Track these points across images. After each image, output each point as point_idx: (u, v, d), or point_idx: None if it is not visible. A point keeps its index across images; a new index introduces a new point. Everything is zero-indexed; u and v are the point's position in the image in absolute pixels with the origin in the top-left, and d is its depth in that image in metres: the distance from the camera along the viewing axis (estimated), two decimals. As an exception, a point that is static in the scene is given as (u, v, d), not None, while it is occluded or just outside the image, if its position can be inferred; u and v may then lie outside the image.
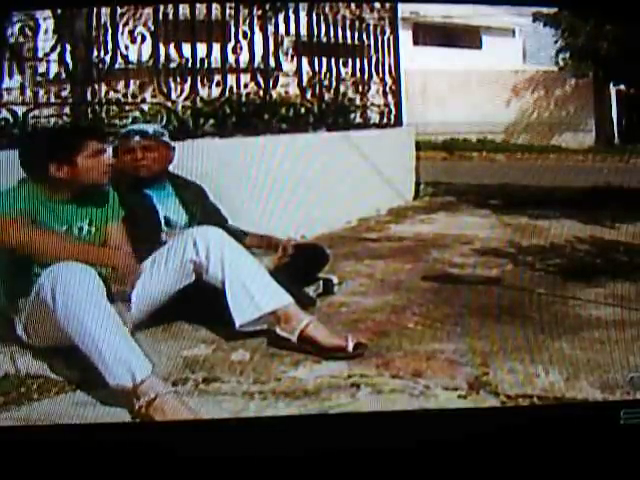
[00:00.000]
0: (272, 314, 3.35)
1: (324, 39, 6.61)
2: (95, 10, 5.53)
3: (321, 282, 4.04)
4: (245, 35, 5.98)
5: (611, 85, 12.48)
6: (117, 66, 5.54)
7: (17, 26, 5.40)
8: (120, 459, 2.65)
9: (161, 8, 5.74)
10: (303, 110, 6.33)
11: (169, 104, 5.46)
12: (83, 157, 3.37)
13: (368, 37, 7.06)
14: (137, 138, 3.82)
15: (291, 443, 2.72)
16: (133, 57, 5.61)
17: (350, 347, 3.28)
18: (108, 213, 3.52)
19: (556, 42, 12.46)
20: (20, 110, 5.10)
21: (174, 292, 3.45)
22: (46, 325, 3.08)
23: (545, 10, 11.98)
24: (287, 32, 6.37)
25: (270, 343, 3.42)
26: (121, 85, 5.49)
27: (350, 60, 6.85)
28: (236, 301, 3.33)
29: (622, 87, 12.36)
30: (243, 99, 5.93)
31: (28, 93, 5.37)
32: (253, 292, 3.33)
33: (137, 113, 5.39)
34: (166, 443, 2.72)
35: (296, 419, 2.90)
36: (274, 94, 6.10)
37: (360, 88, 6.97)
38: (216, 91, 5.79)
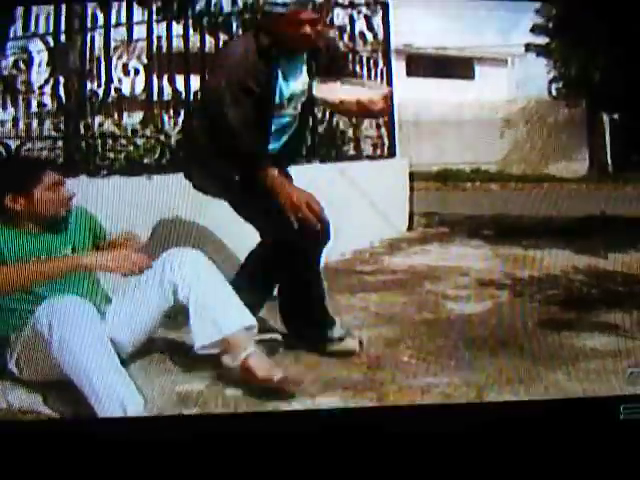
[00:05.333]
0: (224, 340, 3.30)
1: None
2: (89, 43, 5.55)
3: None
4: (239, 67, 5.99)
5: (604, 113, 12.54)
6: (110, 99, 5.55)
7: (11, 59, 5.42)
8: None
9: (155, 41, 5.76)
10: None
11: (163, 137, 5.45)
12: (40, 189, 3.31)
13: (361, 69, 7.08)
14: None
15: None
16: (127, 90, 5.62)
17: (275, 379, 3.23)
18: (87, 235, 3.48)
19: (549, 72, 12.55)
20: (13, 143, 5.10)
21: (158, 316, 3.41)
22: (40, 359, 3.07)
23: (537, 40, 12.07)
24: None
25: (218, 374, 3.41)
26: (114, 118, 5.49)
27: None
28: (198, 322, 3.29)
29: (615, 115, 12.42)
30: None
31: (21, 126, 5.38)
32: (217, 314, 3.29)
33: (131, 147, 5.39)
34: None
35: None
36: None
37: (353, 120, 6.98)
38: (210, 124, 5.78)
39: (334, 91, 3.56)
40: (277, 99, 3.59)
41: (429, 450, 2.84)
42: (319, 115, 6.52)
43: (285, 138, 3.74)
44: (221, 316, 3.28)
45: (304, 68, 3.64)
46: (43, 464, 2.77)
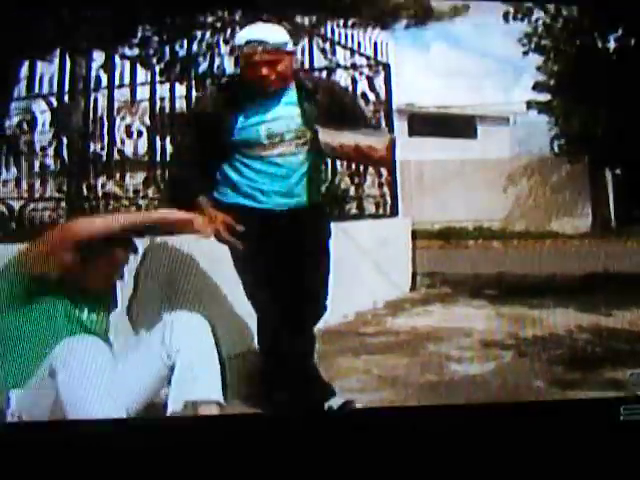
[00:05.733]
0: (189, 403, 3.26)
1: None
2: (92, 104, 5.59)
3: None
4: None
5: (606, 169, 12.60)
6: (113, 160, 5.58)
7: (15, 120, 5.46)
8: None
9: (158, 102, 5.80)
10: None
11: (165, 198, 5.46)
12: (103, 261, 3.24)
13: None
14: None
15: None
16: (129, 151, 5.65)
17: None
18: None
19: (550, 129, 12.64)
20: (16, 204, 5.10)
21: (157, 379, 3.37)
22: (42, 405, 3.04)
23: (539, 97, 12.17)
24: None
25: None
26: (117, 179, 5.51)
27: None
28: (177, 386, 3.26)
29: (617, 171, 12.48)
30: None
31: (24, 186, 5.39)
32: (196, 380, 3.25)
33: (133, 208, 5.40)
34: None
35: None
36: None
37: (356, 179, 7.00)
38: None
39: (333, 135, 3.55)
40: (253, 138, 3.59)
41: (430, 451, 2.82)
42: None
43: (292, 180, 3.72)
44: (193, 383, 3.26)
45: (294, 110, 3.65)
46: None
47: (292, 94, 3.61)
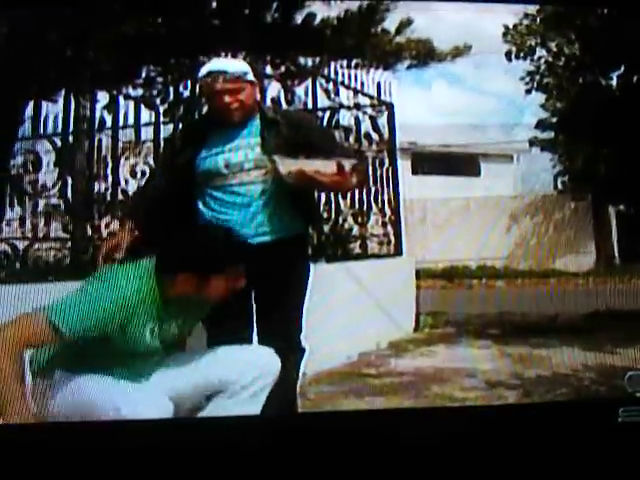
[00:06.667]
0: None
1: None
2: (96, 144, 5.62)
3: None
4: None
5: (610, 206, 12.60)
6: (117, 200, 5.59)
7: (19, 160, 5.48)
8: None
9: (162, 143, 5.82)
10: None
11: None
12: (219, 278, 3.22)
13: (367, 168, 7.12)
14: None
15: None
16: (133, 191, 5.66)
17: None
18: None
19: (554, 166, 12.64)
20: (21, 244, 5.11)
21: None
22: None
23: (541, 135, 12.18)
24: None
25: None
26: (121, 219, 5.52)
27: (349, 192, 6.90)
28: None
29: (621, 207, 12.47)
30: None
31: (28, 226, 5.40)
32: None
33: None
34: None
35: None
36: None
37: (359, 219, 7.01)
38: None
39: (288, 164, 3.55)
40: (214, 169, 3.60)
41: (430, 452, 2.82)
42: (325, 214, 6.56)
43: (252, 209, 3.70)
44: None
45: (254, 140, 3.67)
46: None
47: (256, 124, 3.65)
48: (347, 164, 3.54)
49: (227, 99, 3.53)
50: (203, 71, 3.57)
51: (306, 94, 6.65)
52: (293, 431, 3.04)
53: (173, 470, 2.89)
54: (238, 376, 3.26)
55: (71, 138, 5.50)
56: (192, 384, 3.27)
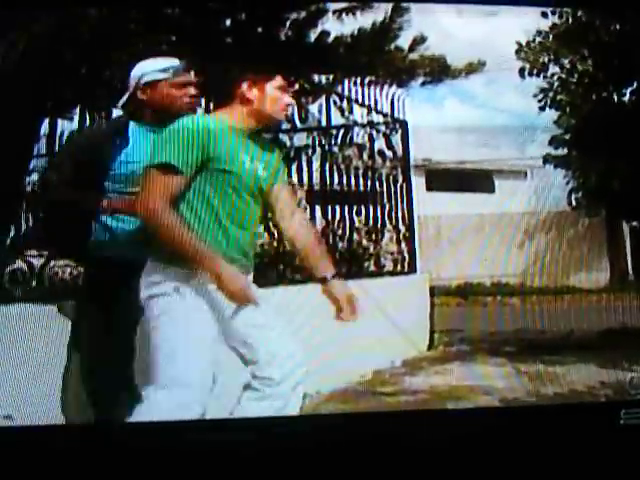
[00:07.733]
0: None
1: (337, 188, 6.69)
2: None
3: None
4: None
5: (624, 222, 12.58)
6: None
7: (35, 177, 5.49)
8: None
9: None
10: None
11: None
12: (272, 86, 3.33)
13: (381, 185, 7.14)
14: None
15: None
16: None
17: None
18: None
19: (568, 182, 12.63)
20: (37, 261, 5.12)
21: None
22: None
23: (555, 152, 12.18)
24: (300, 182, 6.45)
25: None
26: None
27: (363, 209, 6.91)
28: None
29: (635, 223, 12.46)
30: (257, 250, 5.95)
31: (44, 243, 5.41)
32: None
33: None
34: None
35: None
36: (287, 245, 6.13)
37: (373, 236, 7.02)
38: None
39: None
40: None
41: (432, 454, 2.82)
42: (339, 232, 6.57)
43: None
44: None
45: None
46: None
47: None
48: None
49: (193, 91, 3.70)
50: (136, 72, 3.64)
51: (320, 112, 6.68)
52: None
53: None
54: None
55: (87, 156, 5.51)
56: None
